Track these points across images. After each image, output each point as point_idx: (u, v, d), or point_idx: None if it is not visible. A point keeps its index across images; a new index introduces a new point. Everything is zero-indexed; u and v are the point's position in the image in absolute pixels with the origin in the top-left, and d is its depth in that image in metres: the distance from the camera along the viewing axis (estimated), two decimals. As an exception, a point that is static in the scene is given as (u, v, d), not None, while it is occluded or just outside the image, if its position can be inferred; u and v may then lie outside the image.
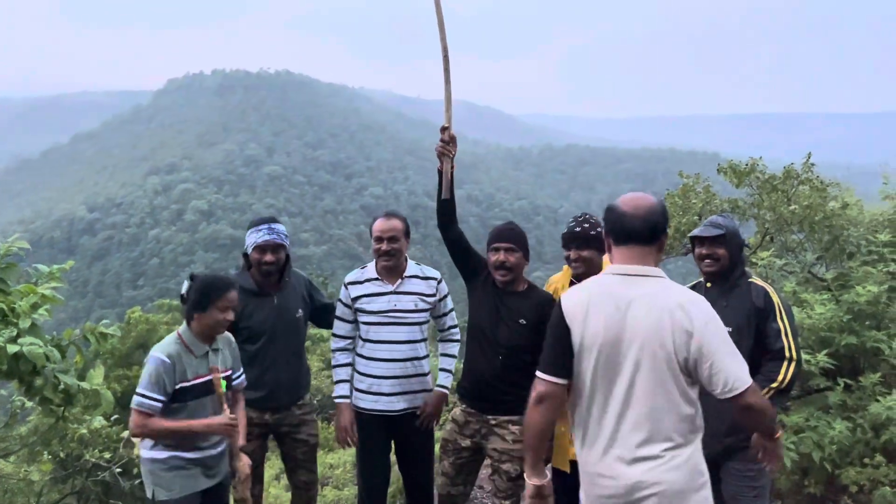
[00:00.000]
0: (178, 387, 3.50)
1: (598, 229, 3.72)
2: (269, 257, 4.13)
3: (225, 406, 3.63)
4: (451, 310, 4.31)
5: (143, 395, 3.44)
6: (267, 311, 4.19)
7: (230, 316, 3.60)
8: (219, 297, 3.54)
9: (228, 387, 3.74)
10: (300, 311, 4.32)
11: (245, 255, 4.26)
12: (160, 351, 3.51)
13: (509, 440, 3.81)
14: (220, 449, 3.73)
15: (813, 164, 6.76)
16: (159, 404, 3.45)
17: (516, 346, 3.76)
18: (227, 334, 3.85)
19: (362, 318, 4.14)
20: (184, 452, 3.57)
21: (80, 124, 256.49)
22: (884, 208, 5.72)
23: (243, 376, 3.95)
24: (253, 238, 4.16)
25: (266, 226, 4.17)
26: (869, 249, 5.22)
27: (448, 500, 4.18)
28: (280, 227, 4.23)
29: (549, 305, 3.70)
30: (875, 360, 4.85)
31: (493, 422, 3.87)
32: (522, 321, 3.76)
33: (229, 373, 3.78)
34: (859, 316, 4.84)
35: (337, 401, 4.17)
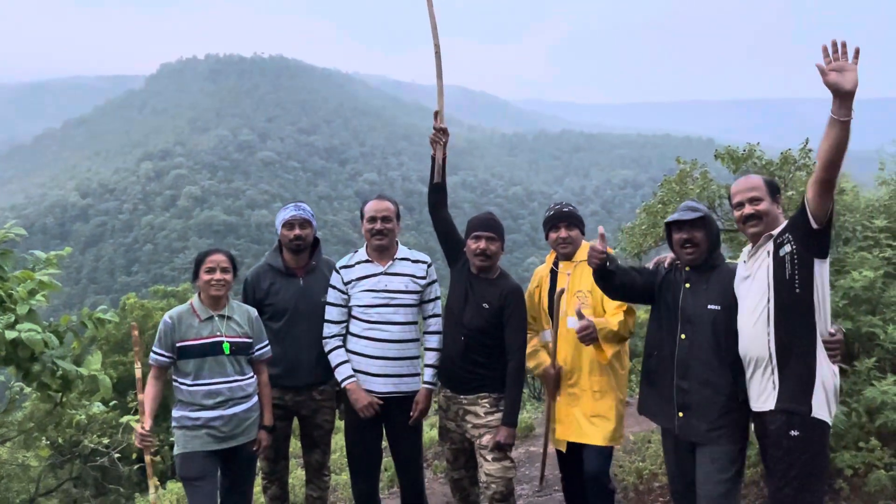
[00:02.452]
0: (179, 345, 3.88)
1: (579, 213, 4.12)
2: (296, 231, 4.34)
3: (146, 419, 3.83)
4: (438, 298, 4.32)
5: (153, 351, 3.92)
6: (292, 290, 4.34)
7: (216, 276, 3.92)
8: (203, 262, 3.97)
9: (232, 351, 3.93)
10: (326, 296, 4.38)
11: (279, 243, 4.47)
12: (167, 313, 3.99)
13: (482, 413, 3.94)
14: (230, 411, 3.90)
15: (810, 150, 6.76)
16: (165, 359, 3.90)
17: (477, 328, 3.93)
18: (248, 307, 4.15)
19: (355, 299, 4.16)
20: (189, 412, 3.88)
21: (72, 109, 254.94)
22: (880, 194, 5.71)
23: (266, 349, 4.15)
24: (281, 216, 4.41)
25: (293, 204, 4.46)
26: (865, 235, 5.22)
27: (454, 484, 4.28)
28: (306, 206, 4.47)
29: (513, 294, 3.95)
30: (870, 346, 4.86)
31: (466, 401, 4.00)
32: (485, 305, 3.94)
33: (239, 339, 3.98)
34: (855, 301, 4.85)
35: (346, 383, 4.10)
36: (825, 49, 2.72)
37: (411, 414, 4.17)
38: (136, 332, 4.13)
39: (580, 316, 3.63)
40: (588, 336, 3.62)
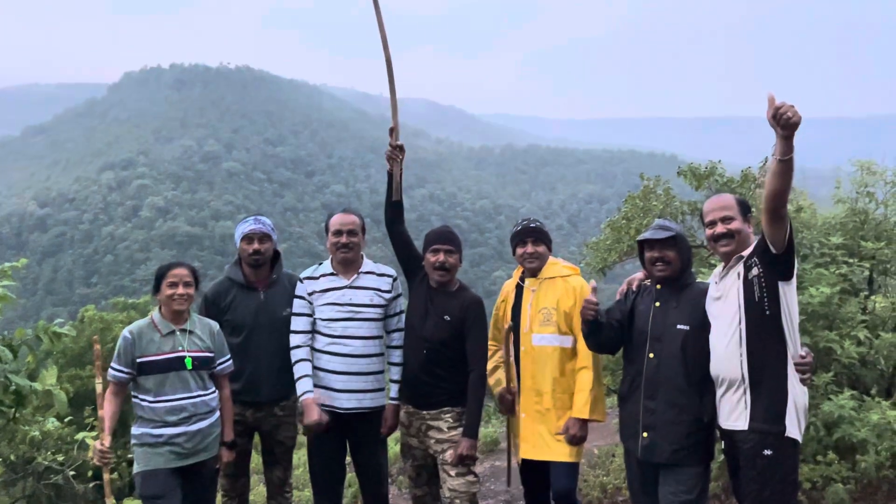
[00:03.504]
0: (140, 360, 3.79)
1: (546, 229, 4.12)
2: (255, 245, 4.27)
3: (105, 435, 3.72)
4: (402, 312, 4.30)
5: (111, 367, 3.82)
6: (252, 305, 4.29)
7: (179, 290, 3.85)
8: (164, 276, 3.89)
9: (195, 366, 3.86)
10: (288, 309, 4.30)
11: (239, 256, 4.40)
12: (127, 328, 3.91)
13: (445, 428, 3.93)
14: (194, 427, 3.84)
15: (769, 168, 6.91)
16: (124, 375, 3.81)
17: (439, 341, 3.94)
18: (209, 321, 4.07)
19: (318, 312, 4.13)
20: (151, 429, 3.79)
21: (32, 117, 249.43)
22: (836, 212, 5.86)
23: (228, 363, 4.09)
24: (240, 229, 4.33)
25: (252, 218, 4.38)
26: (822, 252, 5.34)
27: (416, 501, 4.24)
28: (266, 219, 4.39)
29: (474, 304, 3.98)
30: (827, 360, 4.96)
31: (428, 416, 3.99)
32: (447, 317, 3.94)
33: (201, 354, 3.91)
34: (812, 317, 4.95)
35: (303, 398, 4.06)
36: (771, 98, 2.76)
37: (382, 431, 4.16)
38: (97, 346, 4.03)
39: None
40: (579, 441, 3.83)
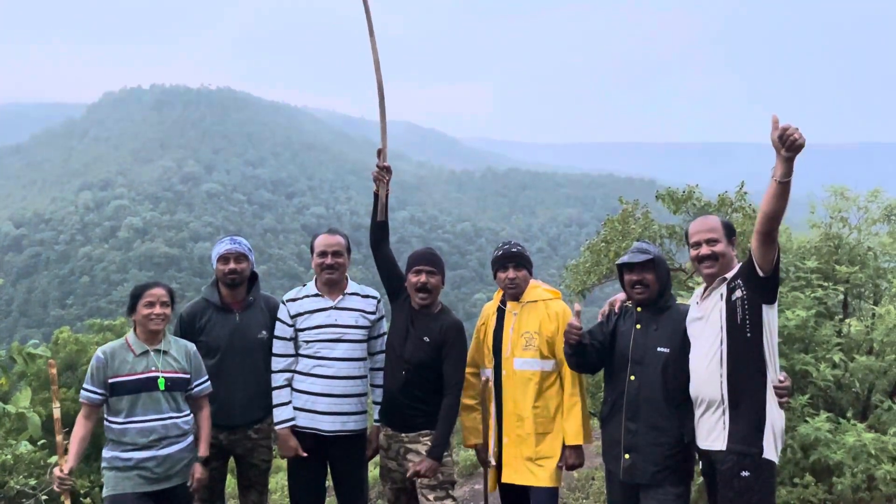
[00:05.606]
0: (112, 381, 3.74)
1: (527, 253, 4.10)
2: (231, 265, 4.24)
3: (70, 460, 3.69)
4: (385, 333, 4.30)
5: (84, 388, 3.77)
6: (227, 327, 4.24)
7: (156, 310, 3.82)
8: (141, 295, 3.84)
9: (168, 387, 3.80)
10: (264, 332, 4.28)
11: (216, 277, 4.37)
12: (100, 348, 3.85)
13: (423, 451, 3.91)
14: (165, 451, 3.78)
15: (745, 193, 7.03)
16: (97, 396, 3.76)
17: (419, 362, 3.93)
18: (186, 342, 4.03)
19: (302, 334, 4.11)
20: (121, 452, 3.73)
21: (7, 137, 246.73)
22: (811, 236, 5.95)
23: (206, 385, 4.04)
24: (217, 249, 4.30)
25: (229, 238, 4.35)
26: (797, 276, 5.42)
27: None
28: (243, 240, 4.37)
29: (453, 328, 3.97)
30: (804, 383, 5.02)
31: (407, 439, 3.97)
32: (426, 338, 3.94)
33: (175, 375, 3.86)
34: (789, 340, 5.01)
35: (279, 427, 4.06)
36: (775, 120, 2.81)
37: (367, 453, 4.16)
38: (53, 370, 3.93)
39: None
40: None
